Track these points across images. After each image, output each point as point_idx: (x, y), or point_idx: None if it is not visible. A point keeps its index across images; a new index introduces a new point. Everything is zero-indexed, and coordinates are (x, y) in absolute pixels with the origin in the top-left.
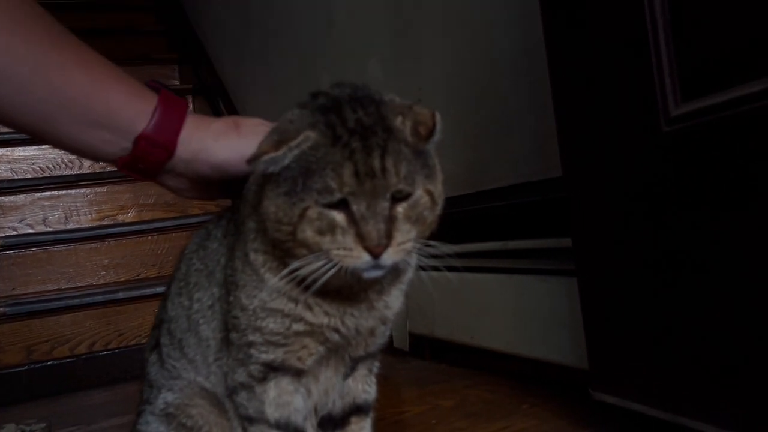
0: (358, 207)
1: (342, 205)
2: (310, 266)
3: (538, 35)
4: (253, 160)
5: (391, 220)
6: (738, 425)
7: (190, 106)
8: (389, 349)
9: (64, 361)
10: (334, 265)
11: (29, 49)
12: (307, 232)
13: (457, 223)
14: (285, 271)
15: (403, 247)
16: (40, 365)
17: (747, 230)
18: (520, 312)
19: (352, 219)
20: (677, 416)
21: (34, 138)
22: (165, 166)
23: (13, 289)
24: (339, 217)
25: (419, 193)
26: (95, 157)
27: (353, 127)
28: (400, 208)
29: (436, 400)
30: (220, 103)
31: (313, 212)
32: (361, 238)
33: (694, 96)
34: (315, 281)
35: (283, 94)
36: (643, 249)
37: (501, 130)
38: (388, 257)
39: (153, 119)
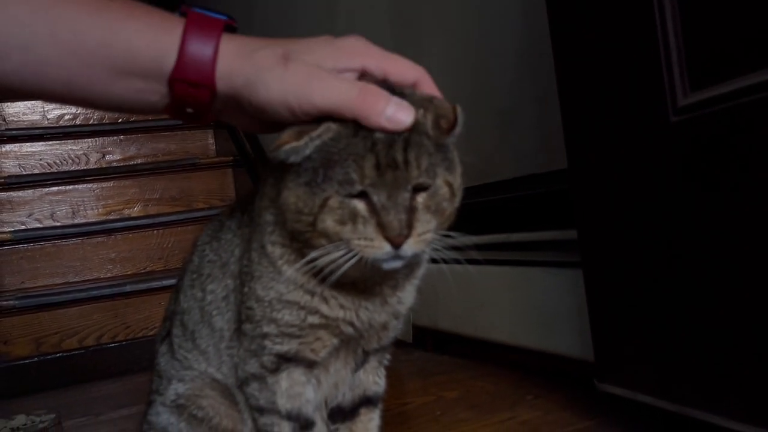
0: (378, 198)
1: (363, 195)
2: (329, 256)
3: (543, 25)
4: (274, 150)
5: (411, 211)
6: (746, 416)
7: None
8: (393, 342)
9: (72, 353)
10: (354, 255)
11: (34, 16)
12: (328, 222)
13: (461, 216)
14: (303, 261)
15: (424, 237)
16: (49, 357)
17: (757, 221)
18: (524, 304)
19: (373, 209)
20: (684, 407)
21: (65, 104)
22: (215, 105)
23: (22, 282)
24: (360, 206)
25: (439, 183)
26: (139, 111)
27: None
28: (420, 199)
29: (440, 391)
30: None
31: (334, 202)
32: (382, 228)
33: (703, 85)
34: (334, 271)
35: None
36: (649, 240)
37: (504, 122)
38: (409, 248)
39: (182, 54)
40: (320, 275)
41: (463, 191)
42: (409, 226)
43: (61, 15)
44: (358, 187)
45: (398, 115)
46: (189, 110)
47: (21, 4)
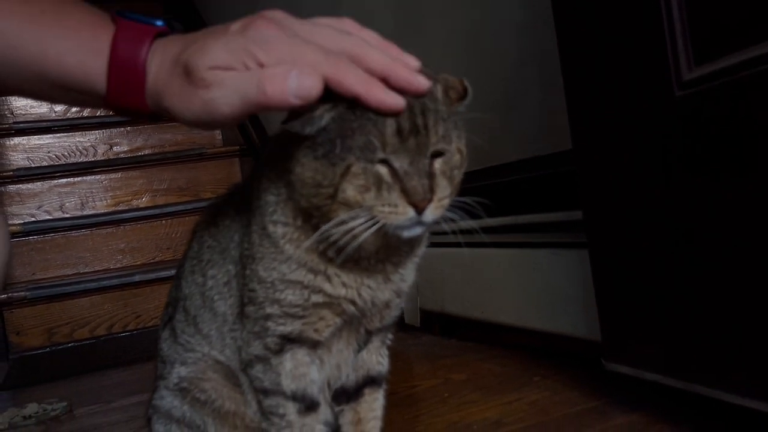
0: (401, 164)
1: (384, 162)
2: (346, 226)
3: (546, 4)
4: (288, 122)
5: (431, 177)
6: (755, 392)
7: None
8: (400, 325)
9: (83, 342)
10: (375, 223)
11: None
12: (349, 191)
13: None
14: (317, 233)
15: (443, 203)
16: (61, 347)
17: (764, 196)
18: (531, 286)
19: (395, 175)
20: (692, 384)
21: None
22: (156, 115)
23: (33, 274)
24: (383, 171)
25: (453, 150)
26: (90, 108)
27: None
28: (437, 165)
29: (448, 374)
30: None
31: (357, 168)
32: (406, 193)
33: (708, 58)
34: (352, 240)
35: None
36: (655, 218)
37: (508, 104)
38: (430, 213)
39: (110, 83)
40: (334, 248)
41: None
42: (432, 190)
43: None
44: (380, 155)
45: (304, 86)
46: (133, 118)
47: None
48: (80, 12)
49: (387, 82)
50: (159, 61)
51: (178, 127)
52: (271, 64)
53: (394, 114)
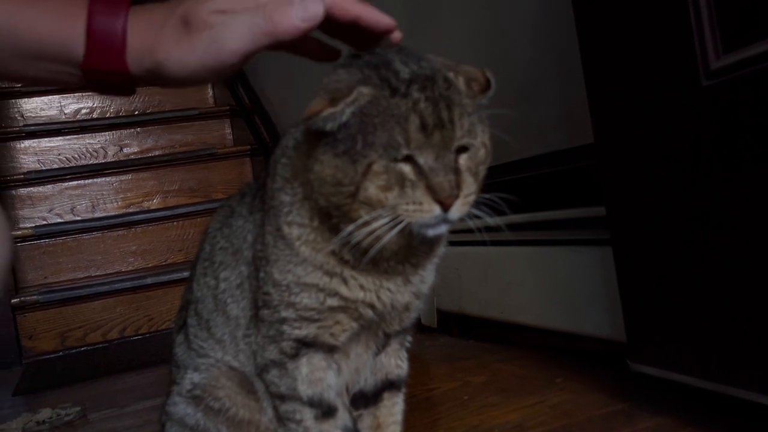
0: (426, 160)
1: (408, 158)
2: (369, 227)
3: None
4: (308, 118)
5: (456, 172)
6: None
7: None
8: (417, 327)
9: (96, 346)
10: (399, 222)
11: None
12: (371, 190)
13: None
14: (339, 236)
15: (468, 199)
16: (74, 351)
17: None
18: (551, 285)
19: (419, 172)
20: (724, 386)
21: None
22: (135, 82)
23: (45, 277)
24: (407, 169)
25: (478, 144)
26: (60, 86)
27: (409, 78)
28: (462, 160)
29: (467, 376)
30: (238, 85)
31: (378, 166)
32: (432, 190)
33: (737, 46)
34: (375, 242)
35: (298, 69)
36: (682, 213)
37: (525, 97)
38: (456, 210)
39: (89, 44)
40: (354, 250)
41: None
42: (458, 186)
43: None
44: (404, 152)
45: (309, 9)
46: (111, 90)
47: None
48: None
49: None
50: (144, 19)
51: (188, 127)
52: (273, 3)
53: (388, 31)
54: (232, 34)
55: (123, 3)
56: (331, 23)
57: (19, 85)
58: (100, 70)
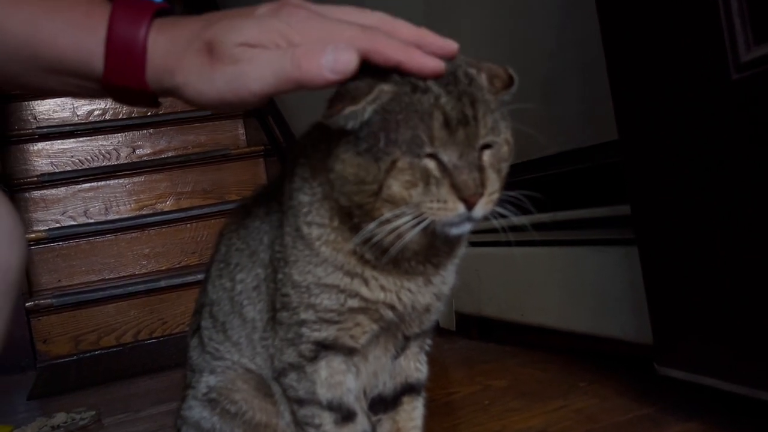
0: (450, 157)
1: (432, 155)
2: (391, 225)
3: None
4: (329, 117)
5: (481, 170)
6: None
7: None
8: (435, 329)
9: (110, 350)
10: (422, 220)
11: None
12: (394, 187)
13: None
14: (360, 234)
15: (492, 197)
16: (87, 355)
17: None
18: (574, 286)
19: (444, 169)
20: (756, 390)
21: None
22: (157, 96)
23: (59, 280)
24: (431, 165)
25: (501, 141)
26: (87, 98)
27: None
28: (486, 158)
29: (487, 380)
30: None
31: (402, 163)
32: (456, 188)
33: None
34: (397, 240)
35: None
36: (711, 210)
37: (546, 94)
38: (480, 209)
39: (108, 60)
40: (376, 249)
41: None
42: (482, 184)
43: None
44: (428, 150)
45: (340, 60)
46: (134, 103)
47: None
48: None
49: (421, 50)
50: (168, 38)
51: (201, 128)
52: (304, 44)
53: (436, 76)
54: (255, 74)
55: (145, 15)
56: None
57: (58, 96)
58: (119, 86)
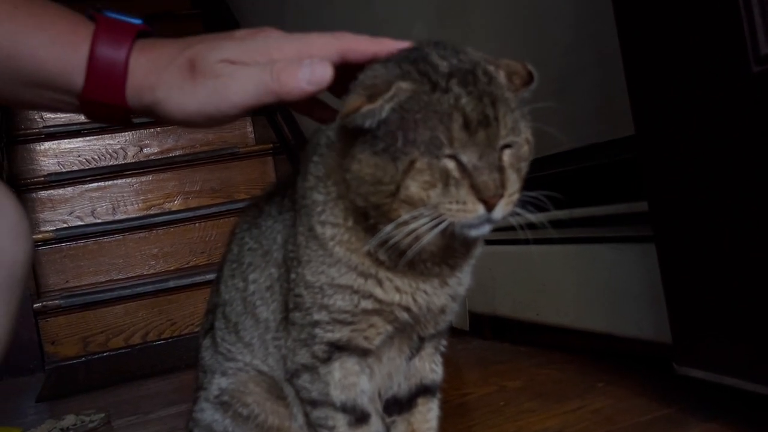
0: (469, 158)
1: (451, 156)
2: (409, 226)
3: None
4: (346, 116)
5: (501, 170)
6: None
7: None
8: (448, 329)
9: (119, 351)
10: (441, 222)
11: None
12: (412, 188)
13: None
14: (378, 236)
15: (512, 198)
16: (96, 356)
17: None
18: (590, 284)
19: (463, 170)
20: None
21: None
22: (133, 115)
23: (67, 281)
24: (451, 165)
25: (521, 141)
26: (58, 113)
27: (448, 72)
28: (506, 158)
29: (502, 380)
30: None
31: (421, 164)
32: (476, 190)
33: None
34: (414, 242)
35: None
36: (731, 205)
37: (560, 88)
38: (500, 210)
39: (90, 75)
40: (392, 251)
41: None
42: (503, 185)
43: None
44: (447, 151)
45: (316, 72)
46: (107, 121)
47: None
48: (56, 8)
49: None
50: (149, 57)
51: None
52: (282, 60)
53: None
54: (236, 87)
55: (128, 36)
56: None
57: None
58: (98, 102)
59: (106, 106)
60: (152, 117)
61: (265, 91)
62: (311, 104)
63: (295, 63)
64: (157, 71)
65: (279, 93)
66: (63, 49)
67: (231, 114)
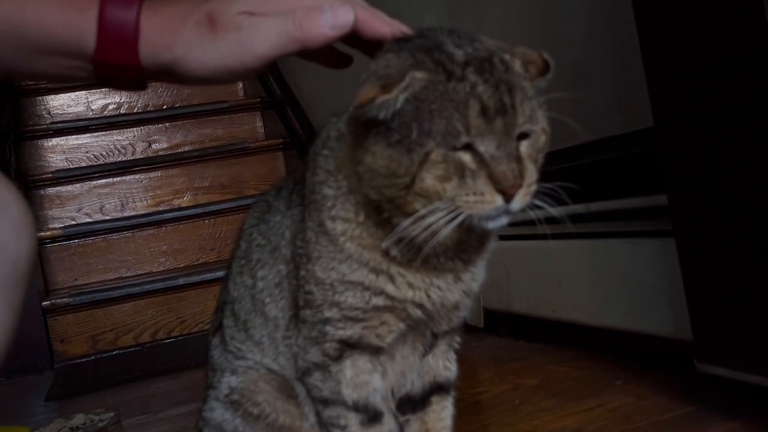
0: (486, 148)
1: (467, 146)
2: (426, 220)
3: None
4: (360, 107)
5: (518, 160)
6: None
7: None
8: (462, 326)
9: (128, 350)
10: (458, 215)
11: None
12: (428, 180)
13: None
14: (395, 232)
15: (530, 189)
16: (105, 355)
17: None
18: (608, 280)
19: (480, 160)
20: None
21: None
22: (148, 76)
23: (75, 279)
24: (467, 158)
25: (539, 130)
26: (69, 82)
27: (464, 60)
28: (523, 148)
29: (517, 378)
30: (269, 76)
31: (436, 156)
32: (494, 180)
33: None
34: (431, 236)
35: None
36: (754, 199)
37: (577, 79)
38: (519, 201)
39: (101, 36)
40: (406, 247)
41: None
42: (521, 175)
43: None
44: (464, 139)
45: (339, 16)
46: (123, 86)
47: None
48: None
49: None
50: (161, 15)
51: (217, 121)
52: (301, 9)
53: None
54: (259, 38)
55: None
56: (355, 37)
57: (45, 81)
58: (112, 63)
59: (119, 67)
60: (170, 77)
61: (289, 40)
62: (324, 50)
63: (316, 9)
64: (173, 29)
65: (303, 40)
66: (72, 14)
67: (254, 67)
